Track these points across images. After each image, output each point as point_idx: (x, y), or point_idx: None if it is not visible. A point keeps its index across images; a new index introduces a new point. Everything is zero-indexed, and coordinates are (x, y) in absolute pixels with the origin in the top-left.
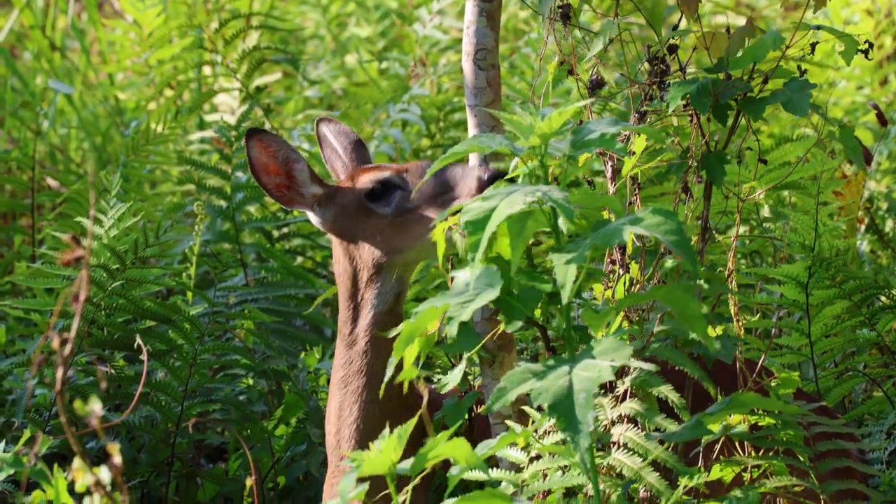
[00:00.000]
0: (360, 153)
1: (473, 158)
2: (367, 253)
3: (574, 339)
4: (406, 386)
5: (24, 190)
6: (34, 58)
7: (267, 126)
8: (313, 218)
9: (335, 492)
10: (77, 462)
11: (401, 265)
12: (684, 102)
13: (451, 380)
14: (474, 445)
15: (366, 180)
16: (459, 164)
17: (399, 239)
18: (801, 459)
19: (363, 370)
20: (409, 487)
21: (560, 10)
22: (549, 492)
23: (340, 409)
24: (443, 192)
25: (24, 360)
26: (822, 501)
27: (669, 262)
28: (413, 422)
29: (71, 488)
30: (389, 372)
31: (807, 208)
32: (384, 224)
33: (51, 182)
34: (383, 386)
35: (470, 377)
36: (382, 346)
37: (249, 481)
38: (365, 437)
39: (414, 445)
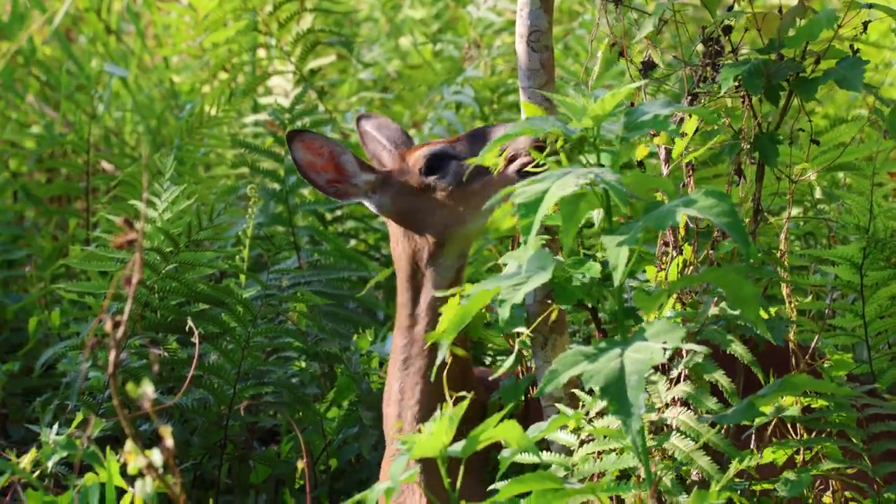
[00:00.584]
0: (404, 140)
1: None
2: (429, 229)
3: (626, 321)
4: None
5: (79, 173)
6: (89, 41)
7: (321, 108)
8: (370, 205)
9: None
10: (129, 445)
11: (462, 237)
12: (737, 84)
13: (506, 362)
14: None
15: (419, 157)
16: (505, 126)
17: (461, 209)
18: (854, 442)
19: (425, 351)
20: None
21: None
22: (601, 474)
23: (402, 392)
24: (499, 154)
25: (78, 343)
26: (875, 484)
27: (727, 244)
28: (465, 404)
29: (123, 471)
30: (441, 353)
31: (861, 189)
32: (444, 196)
33: (105, 165)
34: (435, 368)
35: (526, 359)
36: None
37: (301, 464)
38: (428, 418)
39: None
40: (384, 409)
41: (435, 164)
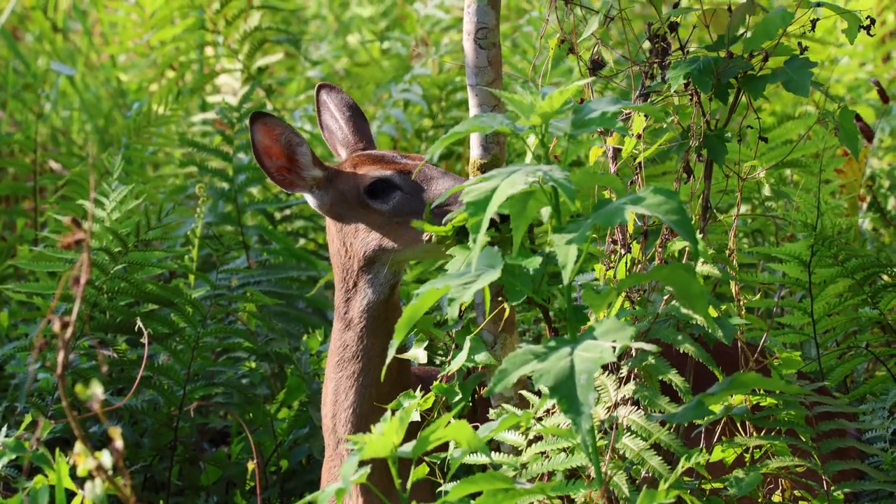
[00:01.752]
0: (359, 124)
1: (475, 140)
2: (361, 243)
3: (575, 320)
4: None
5: (27, 173)
6: (36, 40)
7: (269, 107)
8: (311, 200)
9: (333, 475)
10: (79, 446)
11: (392, 261)
12: (685, 81)
13: (455, 362)
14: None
15: (367, 174)
16: (455, 178)
17: (393, 238)
18: (803, 440)
19: (358, 355)
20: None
21: None
22: (550, 474)
23: (336, 393)
24: (442, 202)
25: (27, 345)
26: (824, 482)
27: (678, 244)
28: (415, 404)
29: (73, 473)
30: (391, 354)
31: (809, 186)
32: (380, 221)
33: (53, 165)
34: (384, 369)
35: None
36: (377, 331)
37: (252, 465)
38: (361, 420)
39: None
40: (322, 408)
41: (379, 188)
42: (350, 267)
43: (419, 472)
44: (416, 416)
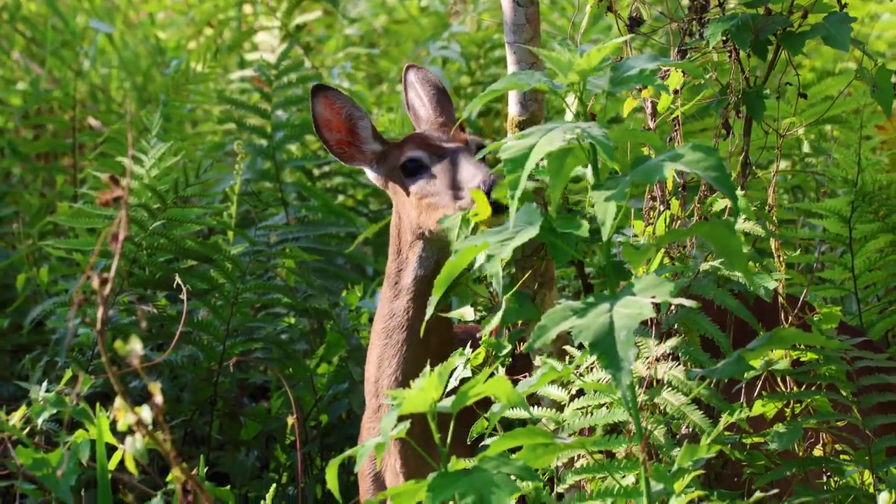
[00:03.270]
0: (442, 103)
1: (513, 97)
2: (407, 219)
3: (616, 276)
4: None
5: (66, 130)
6: None
7: (307, 65)
8: (370, 174)
9: (372, 436)
10: (119, 401)
11: (433, 238)
12: (724, 38)
13: (493, 319)
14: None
15: (404, 152)
16: (474, 162)
17: (424, 219)
18: (844, 395)
19: (404, 325)
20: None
21: None
22: (591, 429)
23: (380, 360)
24: (456, 187)
25: (67, 300)
26: (865, 436)
27: (721, 203)
28: (454, 360)
29: (113, 427)
30: (430, 310)
31: (849, 142)
32: (415, 200)
33: (92, 122)
34: (423, 325)
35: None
36: (423, 303)
37: (291, 420)
38: (403, 388)
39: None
40: (365, 371)
41: (411, 167)
42: (404, 239)
43: (478, 427)
44: (466, 373)
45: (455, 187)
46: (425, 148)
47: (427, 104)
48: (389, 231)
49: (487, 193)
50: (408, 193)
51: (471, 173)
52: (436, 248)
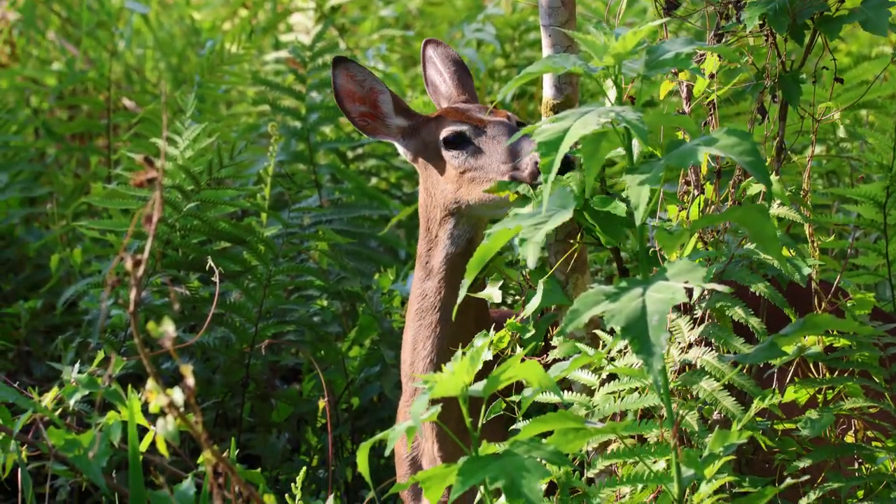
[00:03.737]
0: (463, 79)
1: (548, 80)
2: (440, 195)
3: (647, 260)
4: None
5: (101, 110)
6: None
7: (342, 46)
8: (399, 148)
9: (408, 417)
10: (151, 383)
11: (469, 215)
12: (761, 22)
13: (530, 303)
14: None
15: (445, 126)
16: (525, 138)
17: (465, 192)
18: (877, 381)
19: (437, 305)
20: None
21: None
22: (622, 414)
23: (415, 342)
24: (504, 161)
25: (100, 281)
26: None
27: (755, 187)
28: (486, 343)
29: (145, 409)
30: (462, 293)
31: (885, 127)
32: (455, 174)
33: (127, 102)
34: (455, 309)
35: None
36: (457, 284)
37: (323, 402)
38: (438, 370)
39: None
40: (401, 354)
41: (453, 140)
42: (433, 216)
43: (495, 408)
44: (488, 356)
45: (508, 161)
46: (467, 121)
47: (448, 81)
48: (419, 211)
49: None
50: (444, 168)
51: (526, 147)
52: (468, 224)
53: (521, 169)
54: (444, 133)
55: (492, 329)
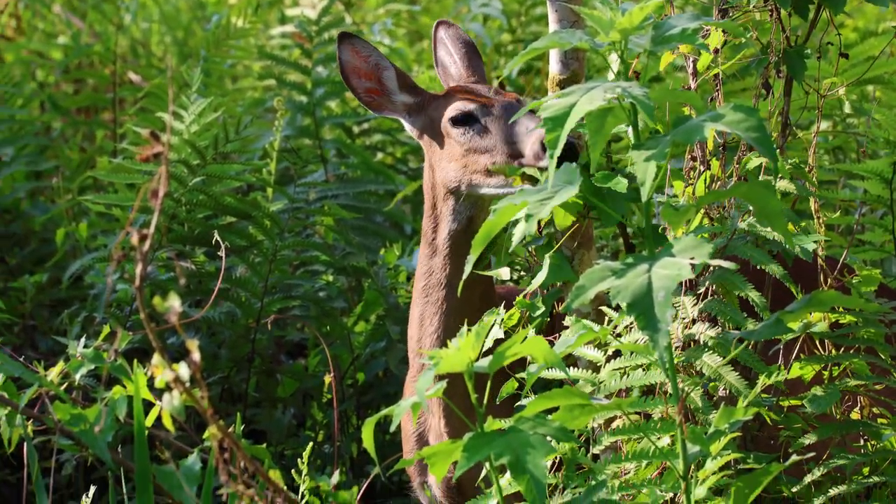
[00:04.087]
0: (473, 60)
1: (554, 56)
2: (444, 172)
3: (653, 236)
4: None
5: (106, 84)
6: None
7: (348, 20)
8: (405, 125)
9: (414, 393)
10: (157, 358)
11: (473, 194)
12: None
13: (536, 279)
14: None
15: (453, 104)
16: (532, 116)
17: (469, 171)
18: (883, 358)
19: (443, 282)
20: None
21: None
22: (627, 390)
23: (422, 318)
24: (511, 142)
25: (106, 256)
26: None
27: (755, 161)
28: (492, 319)
29: (151, 384)
30: (468, 269)
31: (891, 103)
32: (459, 152)
33: (132, 76)
34: (461, 285)
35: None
36: (461, 260)
37: (329, 378)
38: (444, 346)
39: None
40: (408, 330)
41: (461, 119)
42: (437, 193)
43: (508, 387)
44: (499, 333)
45: (511, 142)
46: (475, 100)
47: (458, 62)
48: (424, 187)
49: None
50: (449, 146)
51: (529, 127)
52: (470, 202)
53: (524, 152)
54: (452, 111)
55: (501, 306)
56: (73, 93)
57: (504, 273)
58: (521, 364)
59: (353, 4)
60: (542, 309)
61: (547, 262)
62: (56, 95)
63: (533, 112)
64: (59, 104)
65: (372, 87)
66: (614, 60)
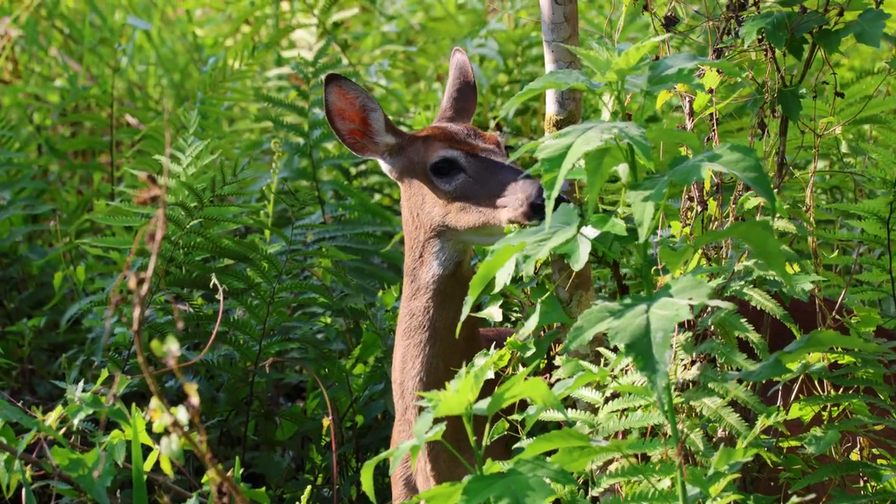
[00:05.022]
0: (464, 95)
1: (551, 96)
2: (426, 216)
3: (651, 277)
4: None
5: (104, 127)
6: None
7: (344, 62)
8: (384, 165)
9: (402, 438)
10: (155, 402)
11: (455, 240)
12: (760, 37)
13: (529, 324)
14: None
15: (435, 150)
16: (516, 171)
17: (452, 219)
18: (882, 398)
19: (425, 325)
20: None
21: None
22: (626, 432)
23: (404, 360)
24: (496, 194)
25: (104, 299)
26: None
27: (753, 201)
28: (490, 362)
29: (149, 428)
30: (465, 311)
31: (888, 142)
32: (443, 199)
33: (130, 119)
34: (459, 326)
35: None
36: (444, 303)
37: (327, 420)
38: (428, 389)
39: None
40: (392, 371)
41: (444, 167)
42: (417, 237)
43: (499, 428)
44: (490, 374)
45: (496, 194)
46: (457, 146)
47: (448, 90)
48: (403, 228)
49: (542, 207)
50: (431, 191)
51: (519, 186)
52: (455, 247)
53: (507, 205)
54: (435, 157)
55: (491, 347)
56: (70, 136)
57: (495, 314)
58: (512, 405)
59: (350, 46)
60: (534, 350)
61: (539, 306)
62: (53, 139)
63: (516, 163)
64: (56, 147)
65: (355, 128)
66: (606, 101)
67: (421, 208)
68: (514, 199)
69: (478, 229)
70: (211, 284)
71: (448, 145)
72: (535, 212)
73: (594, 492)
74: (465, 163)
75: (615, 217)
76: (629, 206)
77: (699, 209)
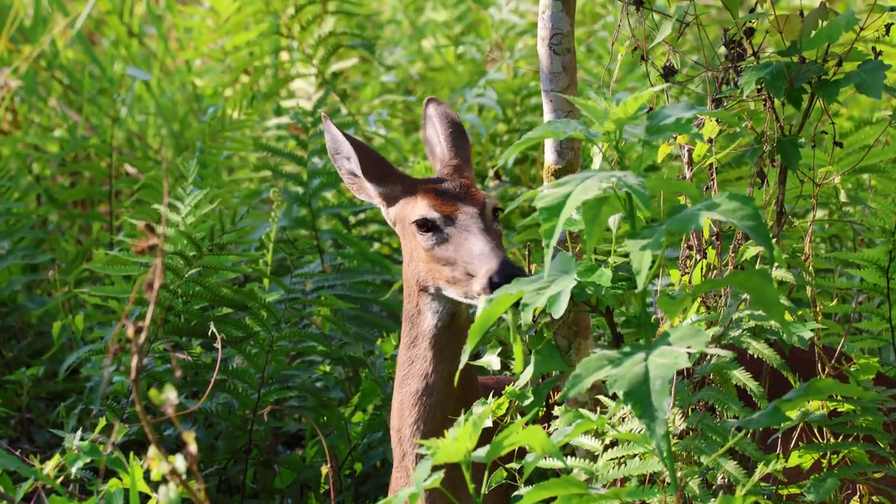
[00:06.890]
0: (458, 142)
1: (549, 145)
2: (414, 267)
3: (649, 325)
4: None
5: (103, 177)
6: (112, 44)
7: (343, 112)
8: (382, 212)
9: (400, 485)
10: (153, 450)
11: (442, 295)
12: (759, 87)
13: (526, 373)
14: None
15: (417, 209)
16: (489, 239)
17: (433, 277)
18: (881, 446)
19: (423, 372)
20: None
21: None
22: (625, 479)
23: (401, 408)
24: (467, 261)
25: (102, 348)
26: None
27: (752, 250)
28: (489, 410)
29: (147, 476)
30: (464, 359)
31: (887, 191)
32: (424, 256)
33: (129, 169)
34: (458, 374)
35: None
36: (441, 354)
37: (326, 468)
38: (425, 437)
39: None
40: (390, 418)
41: (425, 226)
42: (412, 287)
43: (497, 476)
44: (488, 423)
45: (468, 263)
46: (439, 208)
47: (443, 142)
48: (403, 272)
49: (499, 285)
50: (419, 248)
51: (484, 250)
52: (445, 301)
53: (475, 281)
54: (415, 215)
55: (490, 395)
56: (69, 185)
57: (494, 363)
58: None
59: (349, 95)
60: (533, 399)
61: (535, 354)
62: (52, 188)
63: (490, 232)
64: (56, 197)
65: (354, 169)
66: (597, 152)
67: (411, 259)
68: (478, 272)
69: (454, 291)
70: (209, 333)
71: (431, 206)
72: (493, 289)
73: None
74: (444, 226)
75: (604, 267)
76: (622, 255)
77: (698, 258)
